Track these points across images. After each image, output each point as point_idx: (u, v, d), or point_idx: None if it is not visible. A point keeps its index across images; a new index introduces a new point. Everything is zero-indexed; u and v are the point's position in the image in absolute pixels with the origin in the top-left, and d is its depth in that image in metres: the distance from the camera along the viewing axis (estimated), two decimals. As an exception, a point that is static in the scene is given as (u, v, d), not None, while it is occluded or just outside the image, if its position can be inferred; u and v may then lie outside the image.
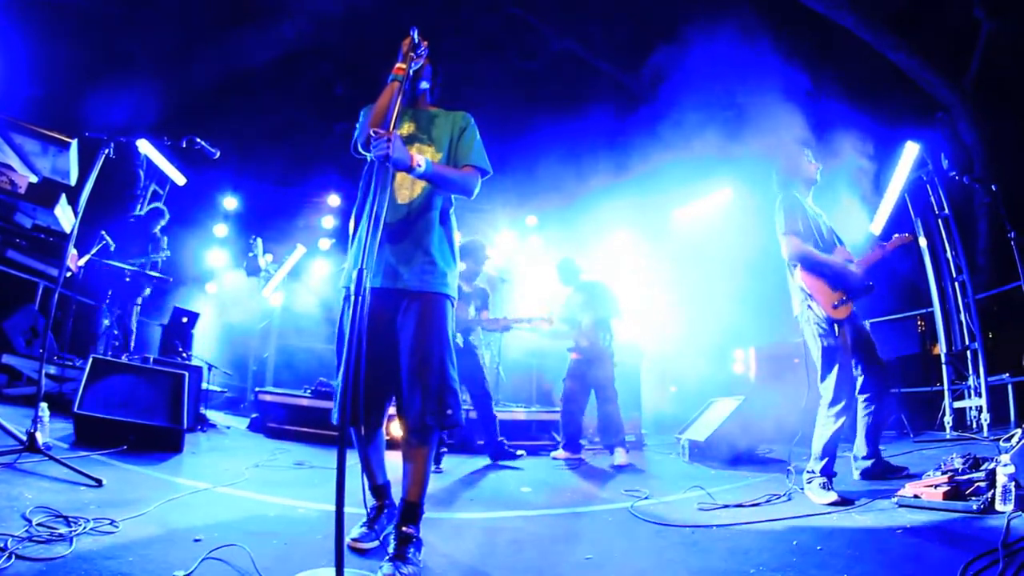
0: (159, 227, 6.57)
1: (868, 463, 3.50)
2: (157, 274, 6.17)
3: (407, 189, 2.18)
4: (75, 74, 6.85)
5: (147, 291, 6.23)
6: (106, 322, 6.02)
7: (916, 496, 2.66)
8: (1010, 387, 5.60)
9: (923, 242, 6.74)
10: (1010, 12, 6.34)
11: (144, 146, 6.88)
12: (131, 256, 6.12)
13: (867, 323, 3.91)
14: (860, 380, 3.43)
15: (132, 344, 6.16)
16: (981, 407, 5.72)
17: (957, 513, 2.48)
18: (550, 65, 9.92)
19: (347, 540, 2.08)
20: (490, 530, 2.56)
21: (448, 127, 2.29)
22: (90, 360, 3.84)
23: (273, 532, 2.25)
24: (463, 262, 4.95)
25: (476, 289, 4.97)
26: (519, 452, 4.89)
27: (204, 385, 5.79)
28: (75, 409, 3.57)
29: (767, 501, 3.05)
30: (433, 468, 4.45)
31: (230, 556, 1.84)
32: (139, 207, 7.51)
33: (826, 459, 3.10)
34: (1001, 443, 2.64)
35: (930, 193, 6.77)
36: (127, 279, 5.91)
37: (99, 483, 2.59)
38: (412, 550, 1.91)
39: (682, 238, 9.52)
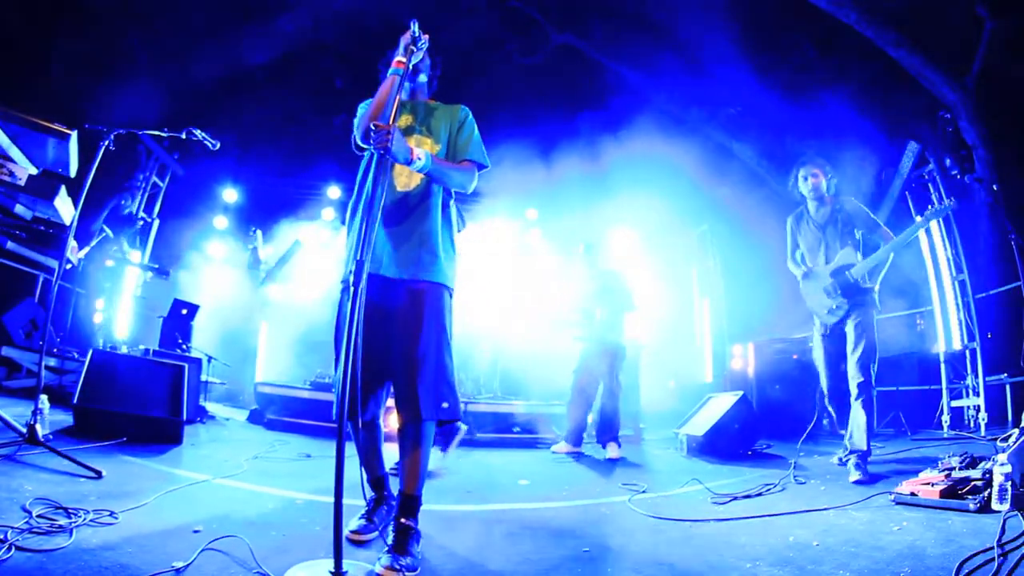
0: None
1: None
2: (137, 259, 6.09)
3: (405, 177, 2.17)
4: (76, 67, 6.82)
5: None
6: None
7: (913, 494, 2.66)
8: (1008, 387, 5.61)
9: (923, 240, 6.74)
10: (1013, 10, 6.29)
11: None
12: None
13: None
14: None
15: None
16: (979, 406, 5.73)
17: (954, 511, 2.48)
18: (551, 59, 9.87)
19: (346, 532, 2.08)
20: (487, 522, 2.57)
21: (446, 120, 2.29)
22: (90, 352, 3.84)
23: (272, 523, 2.26)
24: None
25: None
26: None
27: (204, 377, 5.80)
28: (75, 401, 3.58)
29: (758, 495, 3.08)
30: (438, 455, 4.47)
31: (229, 547, 1.85)
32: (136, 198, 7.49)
33: None
34: (998, 442, 2.65)
35: (931, 191, 6.77)
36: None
37: (99, 475, 2.61)
38: (410, 542, 1.92)
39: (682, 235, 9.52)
